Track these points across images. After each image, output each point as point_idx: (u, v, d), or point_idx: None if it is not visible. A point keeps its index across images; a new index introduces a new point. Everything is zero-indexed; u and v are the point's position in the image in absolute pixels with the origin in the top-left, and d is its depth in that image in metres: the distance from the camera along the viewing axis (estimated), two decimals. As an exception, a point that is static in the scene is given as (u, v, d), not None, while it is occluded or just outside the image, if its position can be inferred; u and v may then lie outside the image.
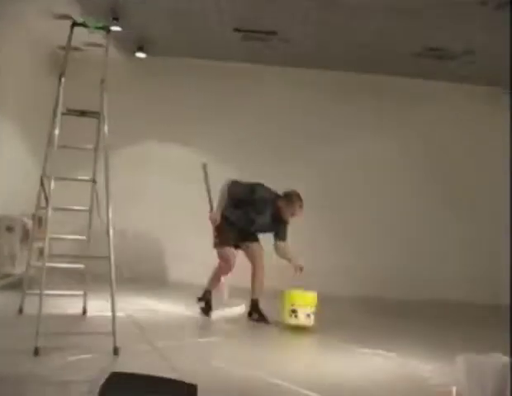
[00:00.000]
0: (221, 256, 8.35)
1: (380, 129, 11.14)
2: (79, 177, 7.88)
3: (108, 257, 6.38)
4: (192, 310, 8.67)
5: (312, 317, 8.04)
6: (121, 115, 9.23)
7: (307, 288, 9.98)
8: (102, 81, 6.73)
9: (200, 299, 8.48)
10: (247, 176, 10.75)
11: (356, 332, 8.12)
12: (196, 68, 10.91)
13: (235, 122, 10.98)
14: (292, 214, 8.33)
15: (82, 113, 6.93)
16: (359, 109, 11.08)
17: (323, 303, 9.94)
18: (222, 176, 10.59)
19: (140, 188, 10.63)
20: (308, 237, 10.93)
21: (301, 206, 8.30)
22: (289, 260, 8.35)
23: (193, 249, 10.61)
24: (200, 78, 10.91)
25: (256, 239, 8.50)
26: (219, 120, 10.92)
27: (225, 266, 8.39)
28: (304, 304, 8.05)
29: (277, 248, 8.37)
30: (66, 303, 7.82)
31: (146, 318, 7.96)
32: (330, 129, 11.11)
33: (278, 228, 8.40)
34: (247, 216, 8.29)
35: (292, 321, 7.98)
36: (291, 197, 8.28)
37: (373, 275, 10.84)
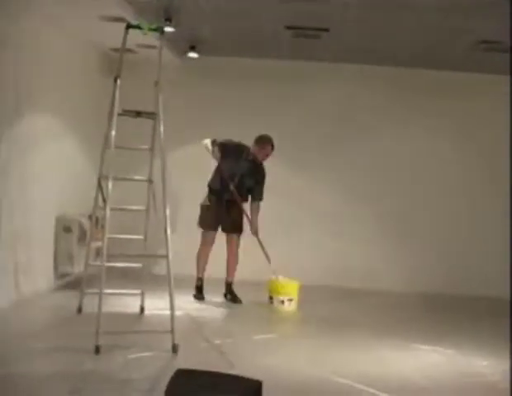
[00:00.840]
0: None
1: (431, 126, 11.02)
2: (136, 177, 7.99)
3: (166, 256, 6.45)
4: (242, 306, 8.91)
5: (287, 303, 8.84)
6: (175, 115, 9.32)
7: (361, 283, 10.12)
8: (157, 82, 6.80)
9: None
10: (297, 174, 10.92)
11: (413, 328, 8.06)
12: (248, 68, 10.92)
13: (288, 119, 10.95)
14: (266, 156, 9.14)
15: (138, 114, 7.00)
16: (411, 105, 10.99)
17: (378, 299, 10.00)
18: (274, 173, 10.73)
19: (193, 188, 10.67)
20: (357, 230, 10.96)
21: (272, 147, 9.10)
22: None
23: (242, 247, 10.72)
24: (251, 77, 10.93)
25: (237, 231, 9.11)
26: (272, 119, 10.88)
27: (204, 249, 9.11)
28: (279, 292, 8.91)
29: (253, 209, 9.19)
30: (124, 302, 7.96)
31: (202, 316, 8.04)
32: (380, 125, 11.03)
33: (256, 187, 9.15)
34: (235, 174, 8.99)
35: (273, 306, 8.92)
36: (263, 139, 9.10)
37: (429, 271, 10.76)
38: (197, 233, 9.20)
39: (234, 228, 9.10)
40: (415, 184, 11.09)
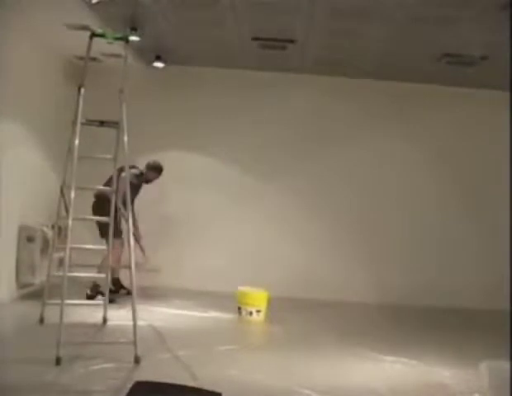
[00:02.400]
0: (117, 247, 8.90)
1: (396, 135, 11.08)
2: (99, 187, 7.93)
3: (129, 267, 6.41)
4: (210, 317, 8.83)
5: (256, 314, 8.88)
6: (140, 124, 9.30)
7: (327, 295, 10.15)
8: (121, 91, 6.76)
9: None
10: (264, 182, 10.92)
11: (378, 339, 8.08)
12: (214, 77, 10.93)
13: (253, 130, 10.98)
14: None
15: (102, 123, 6.95)
16: (375, 114, 11.05)
17: (345, 310, 10.03)
18: (242, 183, 10.76)
19: (158, 197, 10.65)
20: (329, 245, 10.98)
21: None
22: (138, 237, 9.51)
23: (205, 257, 10.82)
24: (217, 87, 10.94)
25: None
26: (237, 129, 10.94)
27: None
28: (247, 303, 8.94)
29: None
30: (86, 312, 7.89)
31: (166, 327, 7.96)
32: (346, 134, 11.08)
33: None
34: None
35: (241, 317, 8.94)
36: (159, 168, 9.78)
37: (393, 283, 10.81)
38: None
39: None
40: (384, 195, 11.14)
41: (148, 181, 9.80)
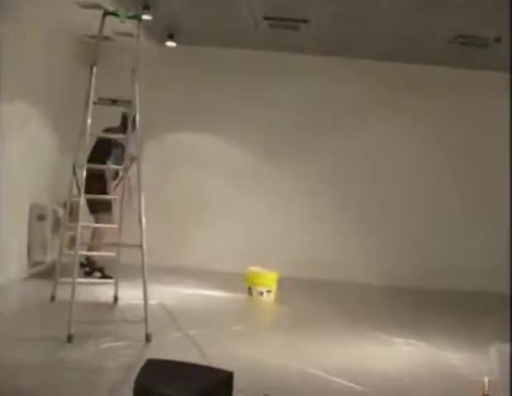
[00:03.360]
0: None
1: (406, 118, 11.02)
2: (110, 166, 7.95)
3: (140, 245, 6.45)
4: (220, 296, 8.88)
5: (266, 294, 8.91)
6: (152, 104, 9.28)
7: (338, 275, 10.17)
8: (134, 70, 6.78)
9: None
10: (273, 164, 10.93)
11: (387, 321, 8.12)
12: (226, 57, 10.89)
13: (264, 111, 10.96)
14: None
15: (114, 102, 6.97)
16: (386, 96, 11.01)
17: (353, 291, 10.06)
18: (252, 165, 10.77)
19: (171, 177, 10.67)
20: (335, 226, 10.99)
21: None
22: None
23: (215, 237, 10.87)
24: (229, 67, 10.91)
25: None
26: (248, 110, 10.91)
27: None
28: (258, 283, 8.95)
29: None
30: (98, 291, 7.94)
31: (176, 306, 8.01)
32: (356, 117, 11.02)
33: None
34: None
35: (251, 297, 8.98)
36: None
37: (402, 265, 10.80)
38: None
39: None
40: (390, 176, 11.08)
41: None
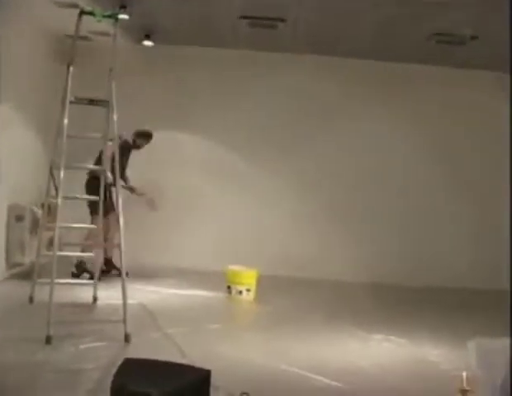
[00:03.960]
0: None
1: (385, 116, 11.08)
2: (89, 166, 7.92)
3: (118, 245, 6.43)
4: (200, 295, 8.87)
5: (246, 293, 8.90)
6: (129, 103, 9.23)
7: (317, 273, 10.18)
8: (111, 69, 6.76)
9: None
10: (254, 161, 10.93)
11: (366, 318, 8.14)
12: (204, 57, 10.88)
13: (244, 110, 10.97)
14: None
15: (91, 101, 6.92)
16: (365, 95, 11.04)
17: (334, 289, 10.08)
18: (231, 163, 10.78)
19: (149, 176, 10.64)
20: (315, 223, 11.00)
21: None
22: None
23: (195, 235, 10.89)
24: (208, 67, 10.90)
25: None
26: (227, 109, 10.92)
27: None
28: (238, 282, 8.94)
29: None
30: (76, 291, 7.90)
31: (156, 305, 7.99)
32: (337, 115, 11.09)
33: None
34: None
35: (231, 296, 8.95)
36: (148, 133, 9.76)
37: (383, 262, 10.84)
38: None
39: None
40: (371, 171, 11.15)
41: (137, 147, 9.73)
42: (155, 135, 9.74)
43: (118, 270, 9.02)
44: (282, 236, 10.91)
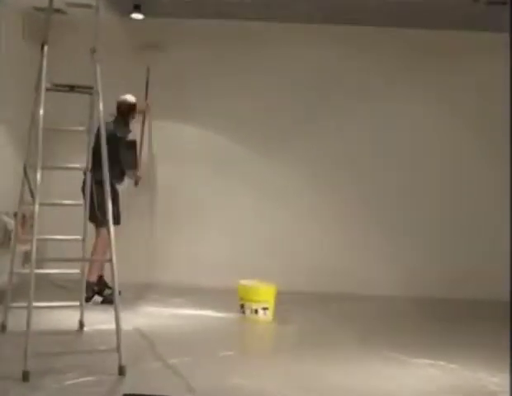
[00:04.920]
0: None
1: (420, 93, 11.05)
2: (70, 165, 7.87)
3: (110, 260, 6.38)
4: (208, 316, 8.89)
5: (262, 312, 8.77)
6: (117, 89, 9.20)
7: (346, 287, 10.09)
8: (93, 49, 6.67)
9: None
10: (262, 155, 10.90)
11: (407, 339, 8.08)
12: (203, 30, 10.86)
13: (247, 93, 10.94)
14: None
15: (72, 88, 6.85)
16: (394, 68, 11.02)
17: (365, 305, 10.03)
18: (235, 155, 10.74)
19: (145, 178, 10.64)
20: (341, 228, 10.96)
21: None
22: None
23: (199, 245, 10.94)
24: (206, 42, 10.88)
25: None
26: (229, 92, 10.90)
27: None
28: (252, 299, 8.83)
29: None
30: (59, 316, 7.86)
31: (156, 329, 7.95)
32: (357, 95, 11.08)
33: None
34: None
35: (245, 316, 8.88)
36: (126, 103, 9.47)
37: (423, 272, 10.80)
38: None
39: None
40: (404, 174, 11.12)
41: (126, 122, 9.43)
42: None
43: (110, 288, 9.03)
44: (303, 244, 10.86)
